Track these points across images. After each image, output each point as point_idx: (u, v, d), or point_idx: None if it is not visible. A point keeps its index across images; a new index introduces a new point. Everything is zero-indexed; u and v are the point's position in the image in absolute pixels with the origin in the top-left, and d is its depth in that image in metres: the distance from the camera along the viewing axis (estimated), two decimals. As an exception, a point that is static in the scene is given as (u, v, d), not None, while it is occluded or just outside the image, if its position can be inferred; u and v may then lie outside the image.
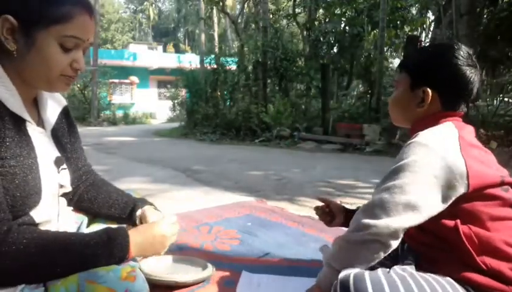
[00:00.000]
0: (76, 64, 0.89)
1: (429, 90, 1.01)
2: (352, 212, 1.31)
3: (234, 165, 5.09)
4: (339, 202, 1.49)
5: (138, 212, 1.12)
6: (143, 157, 5.83)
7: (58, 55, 0.85)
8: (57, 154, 0.97)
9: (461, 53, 1.00)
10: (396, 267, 0.93)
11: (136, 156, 5.99)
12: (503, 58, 6.94)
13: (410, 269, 0.94)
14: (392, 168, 0.94)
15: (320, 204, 1.36)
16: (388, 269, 0.91)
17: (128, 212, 1.13)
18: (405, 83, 1.06)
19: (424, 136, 0.94)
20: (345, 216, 1.31)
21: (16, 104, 0.86)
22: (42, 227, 0.91)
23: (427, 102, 1.01)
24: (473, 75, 0.99)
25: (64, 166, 0.97)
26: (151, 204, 1.19)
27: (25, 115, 0.89)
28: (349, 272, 0.88)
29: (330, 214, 1.33)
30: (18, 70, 0.86)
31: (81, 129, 12.86)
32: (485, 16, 7.21)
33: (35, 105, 0.97)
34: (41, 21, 0.83)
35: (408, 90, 1.05)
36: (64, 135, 1.04)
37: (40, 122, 0.96)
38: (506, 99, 7.98)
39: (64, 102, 1.09)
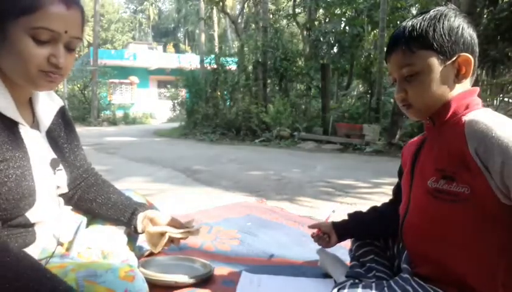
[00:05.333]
0: (54, 59, 0.81)
1: (468, 55, 0.89)
2: (340, 225, 1.31)
3: (234, 165, 5.09)
4: (332, 211, 1.48)
5: (140, 216, 1.10)
6: (143, 157, 5.82)
7: (30, 49, 0.79)
8: (52, 155, 0.95)
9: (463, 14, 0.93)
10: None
11: (136, 156, 5.99)
12: (503, 58, 6.91)
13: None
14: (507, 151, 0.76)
15: (314, 230, 1.36)
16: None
17: (127, 215, 1.12)
18: (429, 61, 0.90)
19: (496, 117, 0.83)
20: (336, 233, 1.30)
21: (8, 106, 0.84)
22: (38, 227, 0.91)
23: (469, 70, 0.90)
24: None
25: (60, 167, 0.96)
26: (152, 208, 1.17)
27: (18, 117, 0.87)
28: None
29: (325, 236, 1.33)
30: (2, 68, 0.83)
31: (81, 130, 12.89)
32: (485, 16, 7.19)
33: (31, 106, 0.95)
34: (10, 13, 0.78)
35: (438, 68, 0.89)
36: (60, 135, 1.03)
37: (35, 123, 0.94)
38: (506, 99, 7.98)
39: (61, 102, 1.07)
